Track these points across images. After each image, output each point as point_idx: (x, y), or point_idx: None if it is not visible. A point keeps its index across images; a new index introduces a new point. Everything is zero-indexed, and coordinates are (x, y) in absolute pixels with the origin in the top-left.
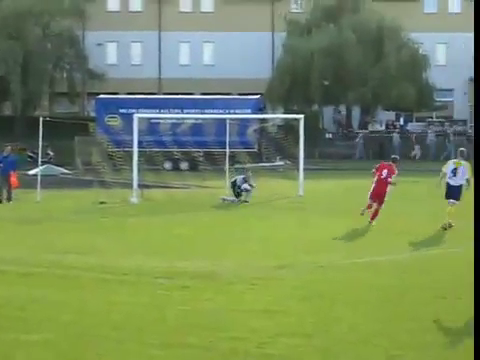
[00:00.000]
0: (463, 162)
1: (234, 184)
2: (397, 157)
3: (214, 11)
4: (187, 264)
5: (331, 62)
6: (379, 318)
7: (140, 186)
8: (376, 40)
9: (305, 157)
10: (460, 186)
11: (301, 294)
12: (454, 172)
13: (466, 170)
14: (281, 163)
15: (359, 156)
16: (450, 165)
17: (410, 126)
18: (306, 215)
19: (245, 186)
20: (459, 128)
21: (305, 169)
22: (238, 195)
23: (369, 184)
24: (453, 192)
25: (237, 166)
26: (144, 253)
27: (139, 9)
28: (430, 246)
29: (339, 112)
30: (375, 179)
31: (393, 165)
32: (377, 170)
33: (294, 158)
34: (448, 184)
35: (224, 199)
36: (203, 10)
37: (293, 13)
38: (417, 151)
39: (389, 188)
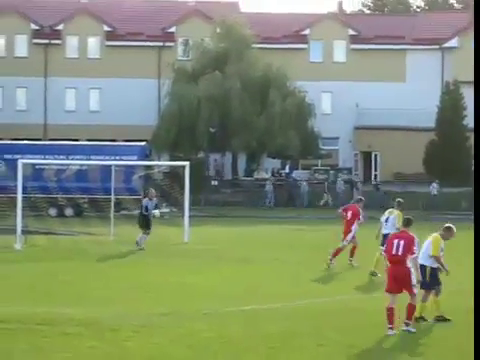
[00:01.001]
0: (396, 212)
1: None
2: (362, 198)
3: (101, 57)
4: (71, 311)
5: (217, 109)
6: None
7: (24, 232)
8: (262, 88)
9: (191, 204)
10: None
11: (185, 342)
12: (386, 220)
13: (396, 219)
14: (167, 210)
15: (268, 203)
16: (385, 214)
17: (295, 174)
18: (191, 262)
19: (156, 212)
20: (344, 176)
21: (191, 216)
22: (147, 223)
23: (256, 231)
24: (384, 240)
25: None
26: (27, 300)
27: (25, 55)
28: (320, 295)
29: (215, 160)
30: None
31: (357, 206)
32: (344, 211)
33: (180, 205)
34: (383, 233)
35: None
36: (90, 56)
37: (180, 61)
38: (327, 198)
39: (354, 227)
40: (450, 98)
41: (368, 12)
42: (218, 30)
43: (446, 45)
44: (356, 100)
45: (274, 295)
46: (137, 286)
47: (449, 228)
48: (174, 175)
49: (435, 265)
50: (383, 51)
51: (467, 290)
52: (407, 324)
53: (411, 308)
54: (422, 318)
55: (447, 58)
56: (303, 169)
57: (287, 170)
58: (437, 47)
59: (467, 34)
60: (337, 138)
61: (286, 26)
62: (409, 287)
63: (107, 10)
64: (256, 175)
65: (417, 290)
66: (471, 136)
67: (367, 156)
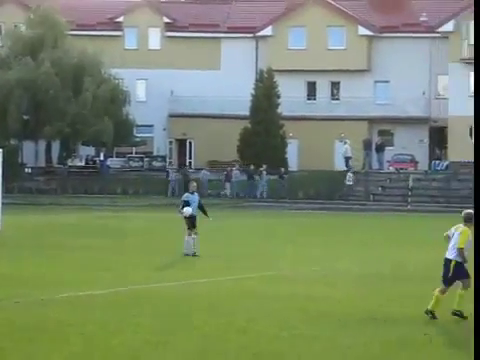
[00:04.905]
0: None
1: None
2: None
3: None
4: None
5: (29, 96)
6: (78, 353)
7: None
8: (76, 75)
9: (4, 192)
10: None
11: None
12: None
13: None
14: None
15: (171, 192)
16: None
17: (110, 161)
18: (4, 250)
19: (187, 209)
20: (158, 164)
21: (4, 204)
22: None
23: (70, 218)
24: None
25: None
26: None
27: None
28: (135, 282)
29: None
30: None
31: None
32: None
33: None
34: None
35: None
36: None
37: None
38: (228, 189)
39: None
40: (264, 86)
41: (183, 0)
42: (32, 16)
43: (260, 34)
44: (171, 88)
45: (89, 282)
46: None
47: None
48: None
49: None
50: (198, 39)
51: (289, 276)
52: None
53: None
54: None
55: (261, 46)
56: (117, 157)
57: (102, 157)
58: (251, 36)
59: (281, 23)
60: (152, 126)
61: (101, 13)
62: None
63: None
64: (70, 162)
65: None
66: (285, 124)
67: (182, 144)
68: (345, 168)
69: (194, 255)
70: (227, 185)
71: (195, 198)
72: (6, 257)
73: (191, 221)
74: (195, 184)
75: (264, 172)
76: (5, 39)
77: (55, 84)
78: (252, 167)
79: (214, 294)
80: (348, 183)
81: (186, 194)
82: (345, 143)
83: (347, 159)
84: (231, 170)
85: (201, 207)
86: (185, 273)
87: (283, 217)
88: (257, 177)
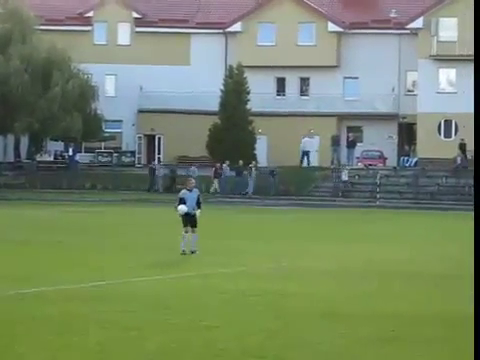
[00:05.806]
0: None
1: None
2: None
3: None
4: None
5: None
6: (46, 348)
7: None
8: (45, 70)
9: None
10: None
11: None
12: None
13: None
14: None
15: (157, 189)
16: None
17: (79, 157)
18: None
19: (181, 208)
20: (127, 159)
21: None
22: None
23: (38, 214)
24: None
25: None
26: None
27: None
28: (100, 278)
29: None
30: None
31: None
32: None
33: None
34: None
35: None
36: None
37: None
38: (216, 185)
39: None
40: (233, 82)
41: None
42: (0, 11)
43: (230, 29)
44: (140, 83)
45: (54, 278)
46: None
47: None
48: None
49: None
50: (168, 34)
51: (256, 272)
52: None
53: None
54: None
55: (231, 42)
56: (86, 152)
57: (70, 152)
58: (221, 31)
59: (250, 19)
60: (121, 121)
61: (70, 8)
62: None
63: None
64: (39, 157)
65: None
66: (254, 120)
67: (150, 139)
68: (303, 164)
69: (192, 252)
70: (216, 182)
71: (192, 195)
72: None
73: (187, 219)
74: (193, 181)
75: (253, 169)
76: None
77: (24, 79)
78: (241, 163)
79: (182, 290)
80: (344, 179)
81: (183, 191)
82: (304, 137)
83: (304, 153)
84: (220, 166)
85: (198, 203)
86: (155, 270)
87: (252, 213)
88: (246, 173)
